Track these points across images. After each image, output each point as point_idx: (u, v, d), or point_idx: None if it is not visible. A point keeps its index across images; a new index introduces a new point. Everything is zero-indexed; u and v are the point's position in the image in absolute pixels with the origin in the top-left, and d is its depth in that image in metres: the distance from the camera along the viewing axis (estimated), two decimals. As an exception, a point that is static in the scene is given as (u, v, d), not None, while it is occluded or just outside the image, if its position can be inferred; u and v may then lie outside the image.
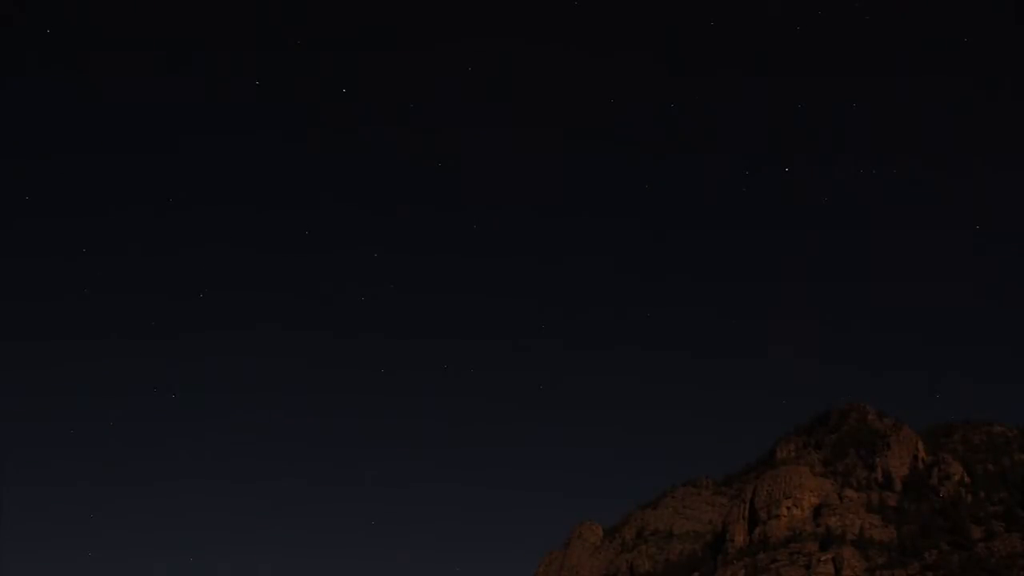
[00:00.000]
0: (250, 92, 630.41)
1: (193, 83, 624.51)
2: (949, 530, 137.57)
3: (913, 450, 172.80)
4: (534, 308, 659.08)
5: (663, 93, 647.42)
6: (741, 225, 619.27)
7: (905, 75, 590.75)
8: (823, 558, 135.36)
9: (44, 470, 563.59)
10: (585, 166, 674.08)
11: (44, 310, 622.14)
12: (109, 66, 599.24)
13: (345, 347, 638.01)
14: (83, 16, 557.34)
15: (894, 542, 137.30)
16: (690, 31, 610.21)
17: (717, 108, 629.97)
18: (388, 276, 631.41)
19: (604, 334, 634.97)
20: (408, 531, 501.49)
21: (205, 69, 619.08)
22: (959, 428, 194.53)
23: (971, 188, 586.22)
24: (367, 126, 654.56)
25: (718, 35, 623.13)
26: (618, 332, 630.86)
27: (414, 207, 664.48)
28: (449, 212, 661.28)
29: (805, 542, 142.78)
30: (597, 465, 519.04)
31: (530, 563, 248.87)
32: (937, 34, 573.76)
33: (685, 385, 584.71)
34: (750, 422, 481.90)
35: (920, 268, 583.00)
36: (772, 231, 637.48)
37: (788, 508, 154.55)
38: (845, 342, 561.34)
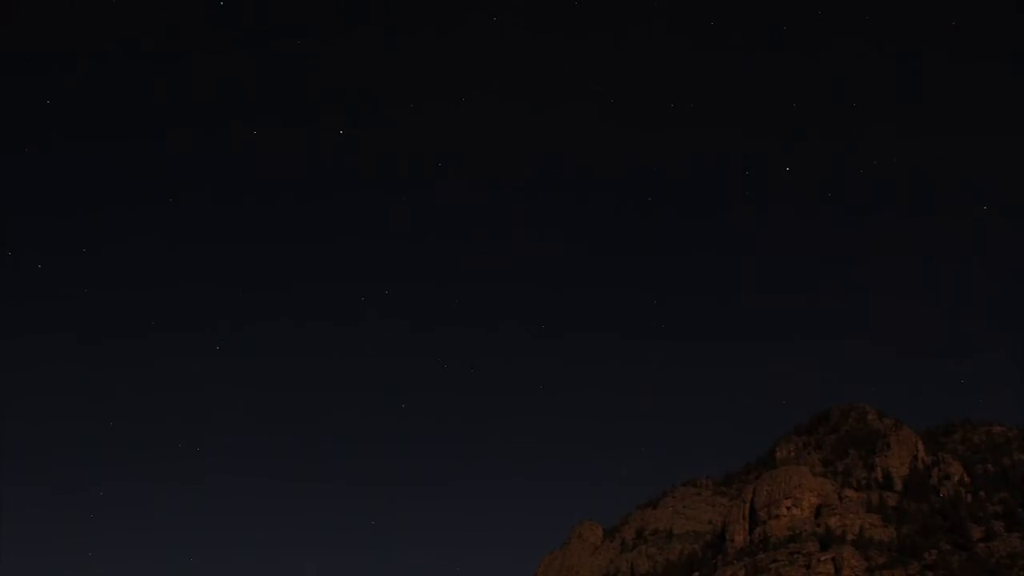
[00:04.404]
0: (250, 90, 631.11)
1: (193, 82, 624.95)
2: (949, 530, 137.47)
3: (913, 450, 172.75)
4: (534, 306, 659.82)
5: (665, 93, 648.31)
6: (738, 226, 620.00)
7: (905, 72, 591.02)
8: (823, 558, 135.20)
9: (44, 470, 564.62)
10: (586, 163, 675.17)
11: (43, 309, 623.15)
12: (107, 66, 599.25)
13: (344, 345, 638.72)
14: (82, 15, 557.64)
15: (894, 542, 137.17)
16: (690, 31, 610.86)
17: (717, 109, 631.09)
18: (386, 274, 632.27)
19: (604, 335, 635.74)
20: (408, 531, 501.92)
21: (205, 68, 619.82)
22: (959, 428, 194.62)
23: (971, 187, 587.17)
24: (364, 122, 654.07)
25: (718, 35, 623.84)
26: (618, 333, 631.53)
27: (416, 205, 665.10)
28: (447, 208, 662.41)
29: (805, 542, 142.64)
30: (597, 465, 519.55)
31: (530, 563, 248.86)
32: (933, 29, 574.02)
33: (685, 385, 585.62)
34: (750, 422, 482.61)
35: (920, 267, 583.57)
36: (770, 232, 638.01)
37: (788, 508, 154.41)
38: (845, 341, 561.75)
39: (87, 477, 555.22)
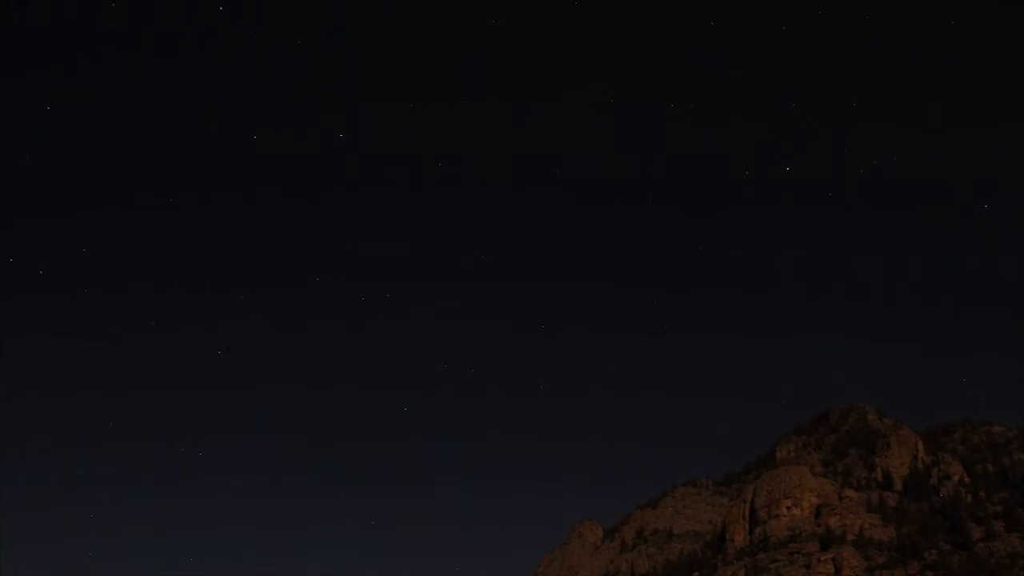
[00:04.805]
0: (251, 89, 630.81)
1: (194, 81, 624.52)
2: (949, 530, 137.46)
3: (913, 450, 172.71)
4: (533, 306, 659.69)
5: (665, 92, 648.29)
6: (739, 226, 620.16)
7: (905, 72, 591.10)
8: (823, 558, 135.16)
9: (44, 470, 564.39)
10: (586, 163, 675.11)
11: (43, 309, 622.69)
12: (106, 63, 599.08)
13: (344, 346, 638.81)
14: (82, 14, 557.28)
15: (894, 542, 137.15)
16: (690, 30, 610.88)
17: (718, 109, 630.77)
18: (387, 274, 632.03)
19: (605, 334, 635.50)
20: (408, 531, 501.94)
21: (205, 68, 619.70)
22: (959, 428, 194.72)
23: (971, 187, 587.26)
24: (364, 122, 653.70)
25: (718, 34, 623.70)
26: (619, 332, 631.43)
27: (416, 205, 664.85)
28: (448, 207, 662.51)
29: (805, 542, 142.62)
30: (597, 465, 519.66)
31: (530, 563, 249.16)
32: (933, 28, 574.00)
33: (685, 385, 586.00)
34: (750, 422, 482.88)
35: (920, 266, 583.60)
36: (770, 232, 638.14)
37: (788, 508, 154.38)
38: (846, 341, 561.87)
39: (87, 477, 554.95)
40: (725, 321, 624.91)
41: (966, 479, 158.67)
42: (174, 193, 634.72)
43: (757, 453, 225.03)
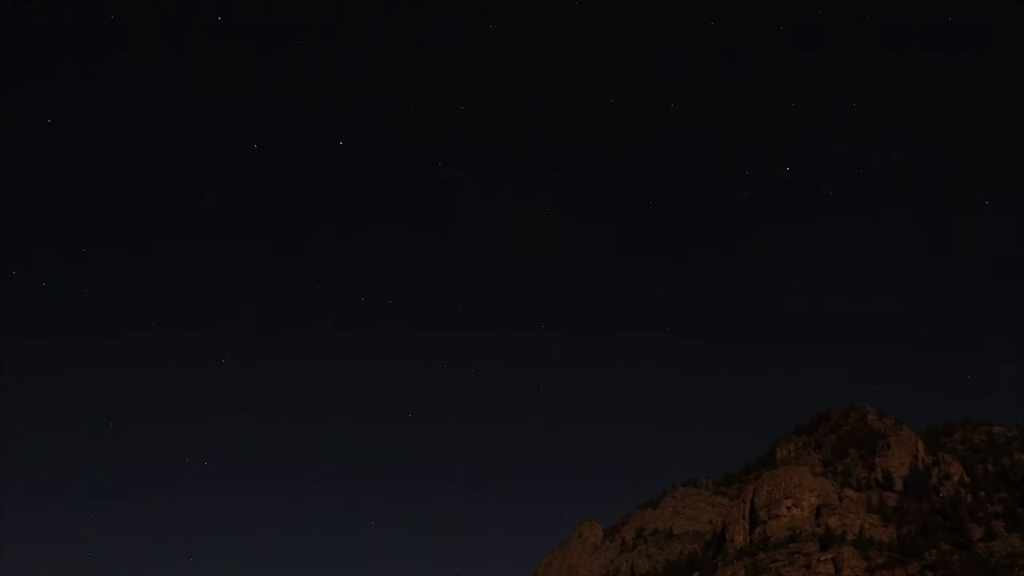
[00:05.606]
0: (251, 90, 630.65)
1: (194, 82, 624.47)
2: (949, 530, 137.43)
3: (913, 450, 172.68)
4: (534, 307, 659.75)
5: (665, 93, 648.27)
6: (738, 226, 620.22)
7: (905, 72, 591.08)
8: (823, 558, 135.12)
9: (44, 470, 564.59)
10: (586, 164, 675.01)
11: (43, 310, 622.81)
12: (107, 63, 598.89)
13: (344, 346, 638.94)
14: (82, 14, 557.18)
15: (894, 542, 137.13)
16: (689, 31, 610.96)
17: (717, 109, 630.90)
18: (387, 275, 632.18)
19: (605, 336, 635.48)
20: (408, 531, 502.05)
21: (204, 67, 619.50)
22: (959, 428, 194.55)
23: (971, 186, 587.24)
24: (364, 125, 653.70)
25: (718, 35, 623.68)
26: (619, 333, 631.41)
27: (416, 207, 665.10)
28: (448, 207, 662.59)
29: (805, 542, 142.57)
30: (597, 465, 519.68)
31: (530, 563, 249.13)
32: (933, 28, 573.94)
33: (686, 385, 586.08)
34: (750, 422, 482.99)
35: (920, 265, 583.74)
36: (770, 231, 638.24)
37: (788, 508, 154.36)
38: (846, 342, 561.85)
39: (87, 477, 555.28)
40: (726, 322, 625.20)
41: (966, 479, 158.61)
42: (174, 193, 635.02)
43: (757, 453, 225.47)
